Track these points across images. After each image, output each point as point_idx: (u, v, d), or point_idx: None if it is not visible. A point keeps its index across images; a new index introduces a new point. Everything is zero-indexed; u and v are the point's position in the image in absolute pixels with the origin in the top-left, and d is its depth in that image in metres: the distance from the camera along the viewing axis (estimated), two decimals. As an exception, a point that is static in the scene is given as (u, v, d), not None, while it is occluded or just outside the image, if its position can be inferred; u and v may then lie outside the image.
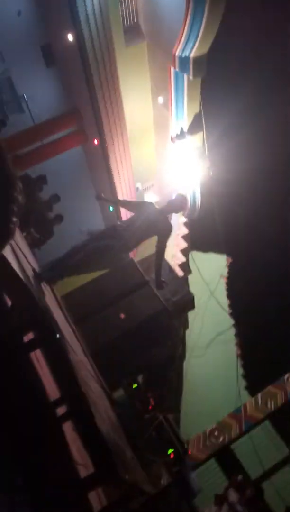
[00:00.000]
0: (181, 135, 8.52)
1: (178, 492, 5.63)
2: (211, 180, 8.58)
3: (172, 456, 5.37)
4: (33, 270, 3.68)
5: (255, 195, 8.23)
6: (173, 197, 4.85)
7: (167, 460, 5.47)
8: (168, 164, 9.42)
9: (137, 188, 9.91)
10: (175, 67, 7.35)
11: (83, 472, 3.06)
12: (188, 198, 6.18)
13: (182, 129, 8.47)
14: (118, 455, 3.03)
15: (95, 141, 9.05)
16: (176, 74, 7.68)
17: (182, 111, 8.10)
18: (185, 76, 7.43)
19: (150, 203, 4.64)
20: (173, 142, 8.71)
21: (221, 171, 8.32)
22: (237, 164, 7.82)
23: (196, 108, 8.07)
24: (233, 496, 5.06)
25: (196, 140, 8.62)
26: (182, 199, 4.72)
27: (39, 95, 9.74)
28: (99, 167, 9.56)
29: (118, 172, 9.19)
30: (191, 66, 6.88)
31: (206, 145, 8.39)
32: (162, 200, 10.57)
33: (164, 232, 4.56)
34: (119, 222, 4.56)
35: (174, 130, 8.54)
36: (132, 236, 4.35)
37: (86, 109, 8.73)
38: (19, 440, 2.51)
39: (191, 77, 7.15)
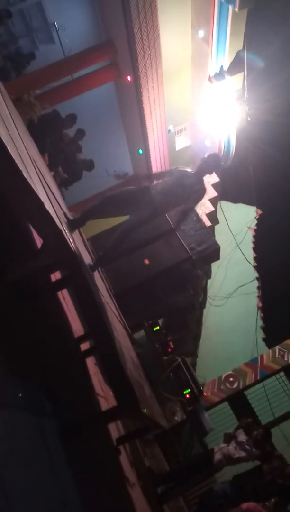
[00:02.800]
0: (220, 74, 7.97)
1: (190, 429, 5.96)
2: (248, 125, 8.12)
3: (187, 396, 5.61)
4: (64, 214, 3.67)
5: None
6: (205, 156, 4.63)
7: (183, 400, 5.73)
8: (203, 106, 8.92)
9: (169, 131, 9.51)
10: (219, -4, 6.75)
11: (103, 403, 3.25)
12: (220, 156, 5.80)
13: (221, 67, 7.92)
14: (138, 391, 3.17)
15: (128, 78, 8.59)
16: (220, 4, 7.08)
17: (224, 47, 7.53)
18: (230, 8, 6.82)
19: (183, 170, 4.43)
20: (211, 82, 8.18)
21: (259, 113, 7.80)
22: (277, 105, 7.30)
23: (239, 44, 7.47)
24: (241, 436, 5.31)
25: (236, 82, 8.07)
26: (215, 158, 4.48)
27: (71, 24, 9.19)
28: (130, 105, 9.16)
29: (150, 112, 8.79)
30: (238, -5, 6.30)
31: (246, 87, 7.84)
32: (194, 145, 10.17)
33: (196, 197, 4.32)
34: (152, 184, 4.34)
35: (213, 68, 7.99)
36: (164, 200, 4.14)
37: (121, 41, 8.20)
38: (47, 371, 2.65)
39: (236, 9, 6.59)
